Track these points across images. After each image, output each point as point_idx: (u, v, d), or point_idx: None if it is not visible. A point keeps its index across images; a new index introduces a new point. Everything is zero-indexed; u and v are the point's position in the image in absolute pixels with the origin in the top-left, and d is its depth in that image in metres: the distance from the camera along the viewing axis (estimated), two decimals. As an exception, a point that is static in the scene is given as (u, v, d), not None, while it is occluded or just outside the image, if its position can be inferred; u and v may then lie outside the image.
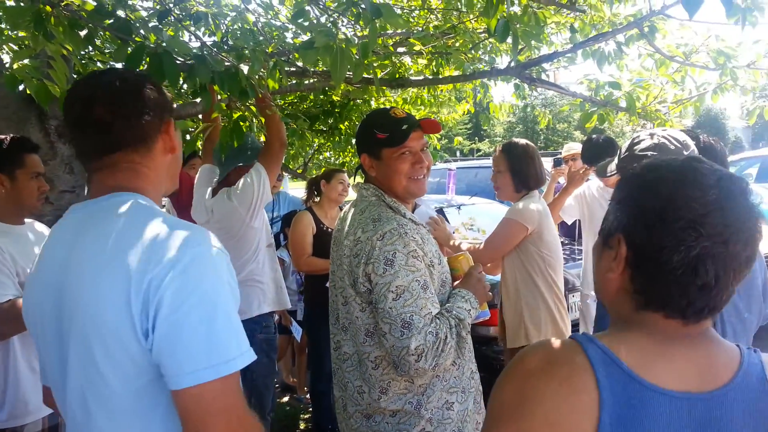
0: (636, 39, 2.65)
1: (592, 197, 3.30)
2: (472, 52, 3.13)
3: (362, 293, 1.63)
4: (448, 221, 4.65)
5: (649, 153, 1.72)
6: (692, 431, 0.78)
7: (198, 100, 3.09)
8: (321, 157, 5.82)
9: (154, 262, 0.95)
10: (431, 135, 5.62)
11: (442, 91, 5.32)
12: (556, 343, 0.89)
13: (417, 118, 1.77)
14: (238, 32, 3.26)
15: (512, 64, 2.74)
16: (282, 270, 4.12)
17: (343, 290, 1.73)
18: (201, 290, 0.95)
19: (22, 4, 1.98)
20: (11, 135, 2.03)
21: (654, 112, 2.73)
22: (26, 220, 2.09)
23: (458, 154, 23.81)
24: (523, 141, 2.75)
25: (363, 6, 1.78)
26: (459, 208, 5.56)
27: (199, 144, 3.23)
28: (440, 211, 5.01)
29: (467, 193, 6.54)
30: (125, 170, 1.10)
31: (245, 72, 1.89)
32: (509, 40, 2.06)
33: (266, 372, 2.77)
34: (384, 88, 3.71)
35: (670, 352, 0.83)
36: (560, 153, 4.80)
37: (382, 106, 5.70)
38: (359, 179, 1.96)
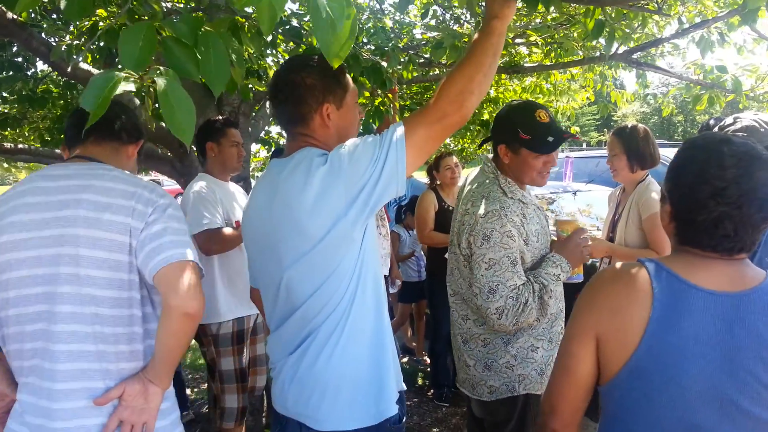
0: (738, 26, 2.72)
1: None
2: (586, 42, 3.36)
3: (464, 254, 1.95)
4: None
5: (739, 134, 1.79)
6: (722, 319, 1.03)
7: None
8: (442, 144, 6.21)
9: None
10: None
11: (560, 80, 5.51)
12: (623, 263, 1.20)
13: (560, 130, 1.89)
14: (372, 29, 3.79)
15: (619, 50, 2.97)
16: (398, 244, 4.77)
17: (453, 246, 2.05)
18: None
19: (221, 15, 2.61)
20: (220, 115, 2.70)
21: (763, 95, 2.80)
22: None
23: (585, 145, 23.03)
24: (634, 123, 2.80)
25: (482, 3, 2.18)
26: (575, 194, 5.68)
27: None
28: (551, 202, 5.14)
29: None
30: (298, 139, 1.48)
31: (385, 67, 2.37)
32: (602, 40, 2.32)
33: None
34: (502, 75, 4.01)
35: (709, 266, 1.09)
36: None
37: (500, 95, 5.97)
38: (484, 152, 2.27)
